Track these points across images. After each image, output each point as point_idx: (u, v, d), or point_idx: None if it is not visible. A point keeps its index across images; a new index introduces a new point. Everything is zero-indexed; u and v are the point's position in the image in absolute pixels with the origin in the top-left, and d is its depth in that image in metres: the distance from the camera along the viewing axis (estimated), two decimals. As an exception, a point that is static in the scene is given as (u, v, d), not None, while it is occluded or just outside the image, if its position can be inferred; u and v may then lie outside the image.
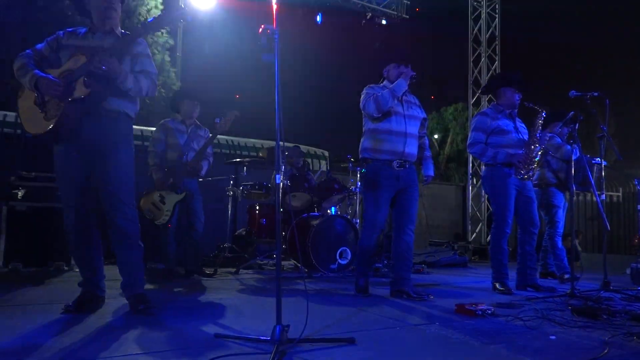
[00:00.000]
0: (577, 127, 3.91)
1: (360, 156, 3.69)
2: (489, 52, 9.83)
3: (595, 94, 3.97)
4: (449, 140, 24.27)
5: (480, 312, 2.88)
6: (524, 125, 4.28)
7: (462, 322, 2.70)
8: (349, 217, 5.27)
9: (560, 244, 4.94)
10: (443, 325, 2.60)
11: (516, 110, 4.25)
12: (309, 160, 9.29)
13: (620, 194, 10.09)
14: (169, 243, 4.34)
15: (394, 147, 3.52)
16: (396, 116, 3.54)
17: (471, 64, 9.98)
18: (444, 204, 10.25)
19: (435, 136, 25.31)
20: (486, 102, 9.45)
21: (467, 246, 7.59)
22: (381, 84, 3.70)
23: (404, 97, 3.61)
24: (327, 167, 8.65)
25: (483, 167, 4.34)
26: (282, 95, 2.25)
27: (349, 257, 4.94)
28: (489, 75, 9.70)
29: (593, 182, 3.86)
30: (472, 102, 9.92)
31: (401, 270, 3.55)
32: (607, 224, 3.84)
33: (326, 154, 10.02)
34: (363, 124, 3.69)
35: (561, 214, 5.01)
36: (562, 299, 3.53)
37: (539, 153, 4.02)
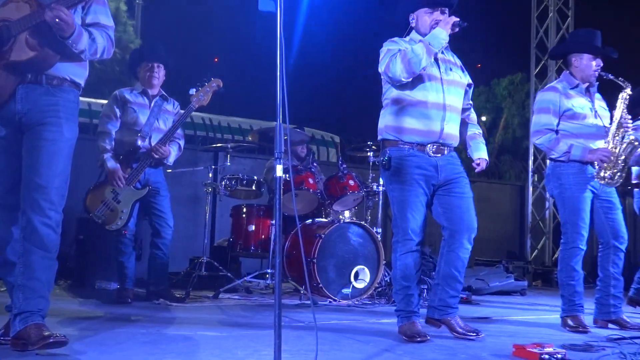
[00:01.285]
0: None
1: (379, 138, 3.55)
2: (560, 4, 9.77)
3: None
4: (501, 123, 24.23)
5: (547, 357, 2.86)
6: (605, 106, 4.22)
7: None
8: (368, 224, 5.26)
9: None
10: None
11: (596, 86, 4.18)
12: (314, 147, 9.31)
13: None
14: (125, 255, 4.35)
15: (428, 125, 3.37)
16: (430, 82, 3.39)
17: (535, 20, 9.90)
18: (495, 210, 10.19)
19: (483, 118, 25.21)
20: (554, 73, 9.40)
21: (526, 267, 7.56)
22: (407, 38, 3.53)
23: (442, 56, 3.46)
24: (338, 156, 8.66)
25: (548, 162, 4.30)
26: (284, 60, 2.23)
27: (368, 279, 4.93)
28: (558, 37, 9.64)
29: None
30: (535, 73, 9.86)
31: (447, 294, 3.44)
32: None
33: (337, 139, 10.05)
34: (383, 92, 3.56)
35: None
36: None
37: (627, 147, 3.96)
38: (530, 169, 9.78)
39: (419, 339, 3.27)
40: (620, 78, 4.02)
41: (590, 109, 4.08)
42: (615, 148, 3.93)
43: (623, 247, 4.12)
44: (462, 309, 4.91)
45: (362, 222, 5.18)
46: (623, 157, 3.93)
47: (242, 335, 3.40)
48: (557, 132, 4.04)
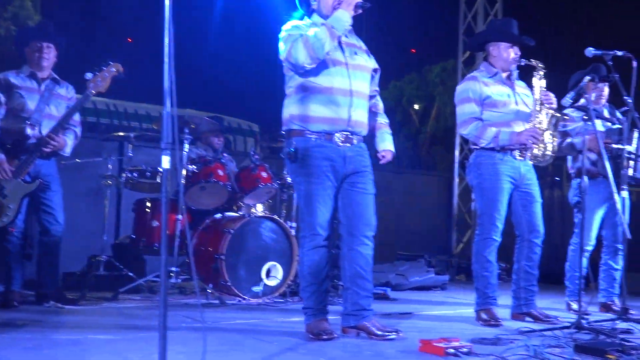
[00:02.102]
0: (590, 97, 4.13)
1: (284, 128, 3.55)
2: (489, -10, 10.06)
3: (620, 52, 4.16)
4: (433, 112, 24.58)
5: (451, 352, 2.99)
6: (530, 93, 4.39)
7: (424, 364, 2.81)
8: (282, 219, 5.31)
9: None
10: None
11: (516, 73, 4.37)
12: (231, 137, 9.26)
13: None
14: (11, 254, 4.24)
15: (335, 112, 3.38)
16: (335, 67, 3.40)
17: (463, 6, 10.15)
18: (421, 202, 10.38)
19: (416, 107, 25.40)
20: (483, 59, 9.68)
21: (450, 261, 7.80)
22: (309, 22, 3.52)
23: (345, 39, 3.48)
24: (255, 147, 8.64)
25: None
26: (174, 40, 2.23)
27: (281, 276, 4.99)
28: (486, 23, 9.92)
29: (609, 172, 4.05)
30: (463, 60, 10.14)
31: (358, 297, 3.44)
32: (625, 230, 4.07)
33: (255, 128, 10.01)
34: (286, 81, 3.55)
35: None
36: (566, 332, 3.73)
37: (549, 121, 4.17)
38: (456, 160, 10.05)
39: (325, 337, 3.33)
40: (532, 60, 4.23)
41: (508, 95, 4.26)
42: (541, 124, 4.15)
43: (538, 241, 4.34)
44: (380, 305, 5.06)
45: (275, 217, 5.22)
46: (549, 132, 4.16)
47: (138, 337, 3.39)
48: (482, 120, 4.20)
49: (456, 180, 10.07)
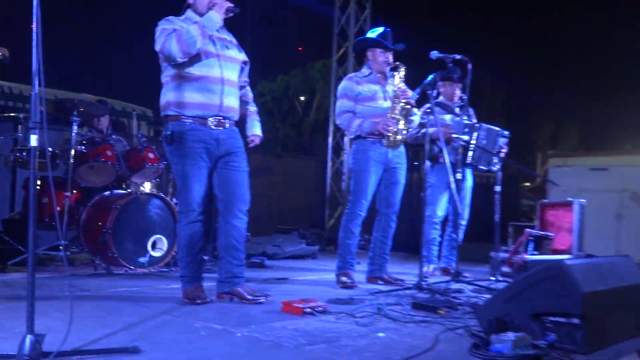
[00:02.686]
0: (434, 93, 4.33)
1: (162, 114, 3.50)
2: (359, -4, 10.26)
3: (458, 56, 4.40)
4: (315, 104, 24.94)
5: (308, 310, 3.07)
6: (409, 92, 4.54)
7: (284, 322, 2.86)
8: (169, 196, 5.19)
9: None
10: (260, 327, 2.73)
11: (390, 74, 4.52)
12: (126, 121, 8.94)
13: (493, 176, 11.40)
14: None
15: (208, 99, 3.36)
16: (208, 59, 3.38)
17: (337, 10, 10.31)
18: (300, 183, 10.55)
19: (302, 98, 25.83)
20: (353, 58, 9.89)
21: (322, 234, 7.97)
22: (183, 17, 3.49)
23: (217, 34, 3.46)
24: (149, 130, 8.38)
25: (346, 139, 4.64)
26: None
27: (166, 247, 4.88)
28: (357, 26, 10.14)
29: (447, 159, 4.28)
30: (336, 58, 10.30)
31: (231, 266, 3.45)
32: (459, 207, 4.33)
33: (149, 113, 9.69)
34: (162, 70, 3.48)
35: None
36: (409, 292, 3.92)
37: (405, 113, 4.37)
38: (329, 146, 10.25)
39: (199, 301, 3.33)
40: (397, 62, 4.42)
41: (377, 92, 4.42)
42: (395, 114, 4.32)
43: (394, 216, 4.57)
44: (258, 272, 5.09)
45: (161, 194, 5.09)
46: (401, 120, 4.34)
47: (19, 307, 3.20)
48: (354, 113, 4.38)
49: (329, 163, 10.25)
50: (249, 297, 3.42)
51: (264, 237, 6.85)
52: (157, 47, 3.33)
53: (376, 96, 4.42)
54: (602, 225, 13.19)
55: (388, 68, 4.46)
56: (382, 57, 4.43)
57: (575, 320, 2.39)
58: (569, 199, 5.68)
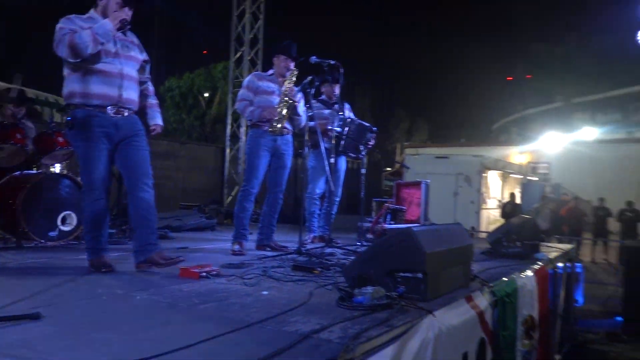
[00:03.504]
0: (312, 92, 4.33)
1: (65, 102, 3.21)
2: (254, 8, 10.06)
3: (332, 61, 4.43)
4: (217, 99, 24.41)
5: (204, 275, 2.96)
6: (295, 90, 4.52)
7: (180, 285, 2.72)
8: (78, 177, 4.79)
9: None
10: (157, 290, 2.59)
11: (292, 78, 4.44)
12: (39, 108, 8.16)
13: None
14: None
15: (107, 91, 3.13)
16: (107, 56, 3.13)
17: (235, 19, 10.06)
18: (203, 167, 10.32)
19: (206, 95, 25.29)
20: (248, 61, 9.71)
21: (219, 209, 7.80)
22: (86, 15, 3.20)
23: (120, 36, 3.22)
24: (62, 117, 7.70)
25: (242, 129, 4.51)
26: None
27: (75, 222, 4.51)
28: (252, 33, 9.95)
29: (322, 146, 4.32)
30: (234, 60, 10.06)
31: (143, 235, 3.21)
32: (332, 186, 4.39)
33: (62, 102, 8.92)
34: (64, 64, 3.17)
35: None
36: (291, 257, 3.91)
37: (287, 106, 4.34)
38: (227, 135, 10.04)
39: (104, 270, 3.10)
40: (293, 69, 4.41)
41: (273, 90, 4.39)
42: (280, 107, 4.29)
43: (280, 194, 4.55)
44: (162, 243, 4.83)
45: (69, 173, 4.69)
46: (283, 111, 4.29)
47: None
48: (251, 102, 4.36)
49: (227, 150, 10.06)
50: (162, 261, 3.21)
51: (168, 212, 6.56)
52: (53, 46, 3.04)
53: (272, 92, 4.40)
54: (443, 200, 14.07)
55: (288, 73, 4.43)
56: (284, 63, 4.44)
57: (420, 275, 2.48)
58: (418, 179, 5.94)
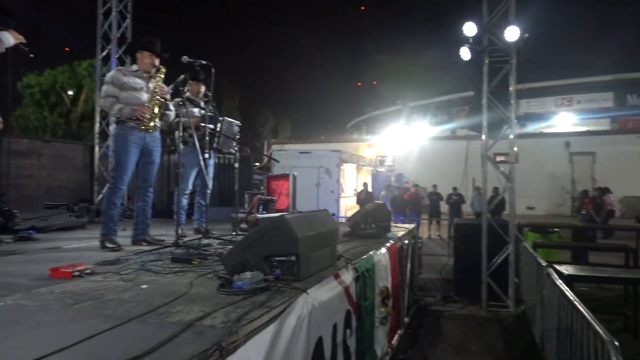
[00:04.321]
0: (186, 90, 4.12)
1: None
2: (121, 7, 9.27)
3: (204, 62, 4.24)
4: (83, 96, 22.14)
5: (77, 274, 2.65)
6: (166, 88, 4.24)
7: (51, 287, 2.41)
8: None
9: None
10: (26, 294, 2.25)
11: (160, 76, 4.13)
12: None
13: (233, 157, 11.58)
14: None
15: None
16: None
17: (101, 16, 9.18)
18: (70, 165, 9.30)
19: (70, 92, 22.79)
20: (116, 59, 8.95)
21: (90, 207, 7.08)
22: None
23: None
24: None
25: (112, 127, 4.09)
26: None
27: None
28: (120, 32, 9.17)
29: (197, 142, 4.14)
30: (100, 58, 9.18)
31: None
32: (207, 179, 4.24)
33: None
34: None
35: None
36: (169, 250, 3.68)
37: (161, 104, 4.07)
38: (96, 132, 9.17)
39: None
40: (160, 66, 4.14)
41: (141, 85, 4.08)
42: (151, 105, 4.03)
43: (150, 189, 4.25)
44: (26, 245, 4.24)
45: None
46: (155, 110, 4.05)
47: None
48: (117, 98, 3.99)
49: (96, 147, 9.18)
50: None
51: (32, 213, 5.78)
52: None
53: (140, 89, 4.08)
54: (307, 191, 14.43)
55: (153, 70, 4.15)
56: (148, 60, 4.14)
57: (293, 258, 2.50)
58: (286, 172, 5.99)
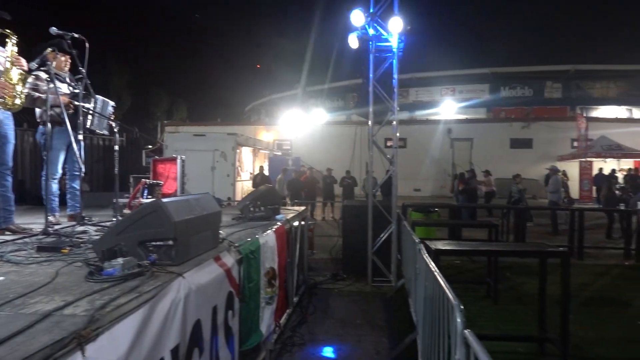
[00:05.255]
0: (51, 64, 3.79)
1: None
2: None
3: (76, 35, 3.92)
4: None
5: None
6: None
7: None
8: None
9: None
10: None
11: (12, 46, 3.67)
12: None
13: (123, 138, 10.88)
14: None
15: None
16: None
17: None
18: None
19: None
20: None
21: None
22: None
23: None
24: None
25: None
26: None
27: None
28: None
29: (68, 122, 3.83)
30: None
31: None
32: (79, 162, 3.96)
33: None
34: None
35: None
36: (36, 238, 3.41)
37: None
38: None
39: None
40: (7, 30, 3.65)
41: None
42: (11, 80, 3.62)
43: (7, 172, 3.84)
44: None
45: None
46: (18, 85, 3.67)
47: None
48: None
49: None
50: None
51: None
52: None
53: None
54: (202, 174, 14.08)
55: None
56: None
57: (170, 242, 2.47)
58: (174, 155, 5.81)
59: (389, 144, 6.84)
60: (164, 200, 2.53)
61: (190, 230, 2.64)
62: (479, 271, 7.43)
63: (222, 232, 3.55)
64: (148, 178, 5.69)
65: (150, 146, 19.09)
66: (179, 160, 5.43)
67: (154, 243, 2.47)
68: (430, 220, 9.25)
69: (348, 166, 14.35)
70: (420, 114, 29.41)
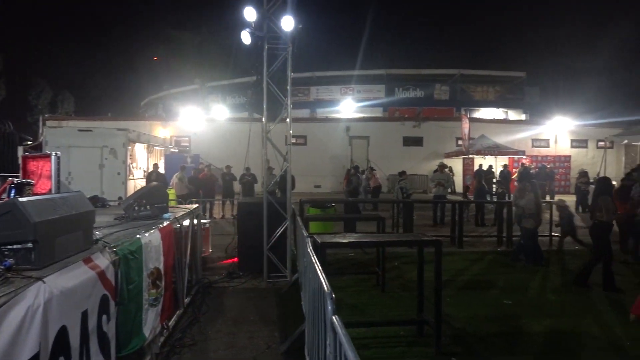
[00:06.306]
0: None
1: None
2: None
3: None
4: None
5: None
6: None
7: None
8: None
9: None
10: None
11: None
12: None
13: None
14: None
15: None
16: None
17: None
18: None
19: None
20: None
21: None
22: None
23: None
24: None
25: None
26: None
27: None
28: None
29: None
30: None
31: None
32: None
33: None
34: None
35: None
36: None
37: None
38: None
39: None
40: None
41: None
42: None
43: None
44: None
45: None
46: None
47: None
48: None
49: None
50: None
51: None
52: None
53: None
54: (89, 173, 13.12)
55: None
56: None
57: (29, 245, 2.29)
58: (48, 152, 5.34)
59: (293, 141, 6.90)
60: (22, 199, 2.33)
61: (55, 232, 2.47)
62: (371, 262, 7.82)
63: (98, 233, 3.36)
64: (17, 176, 5.17)
65: (29, 142, 17.30)
66: (53, 157, 5.00)
67: (10, 247, 2.28)
68: (324, 215, 9.53)
69: (244, 163, 14.21)
70: (321, 111, 30.08)
